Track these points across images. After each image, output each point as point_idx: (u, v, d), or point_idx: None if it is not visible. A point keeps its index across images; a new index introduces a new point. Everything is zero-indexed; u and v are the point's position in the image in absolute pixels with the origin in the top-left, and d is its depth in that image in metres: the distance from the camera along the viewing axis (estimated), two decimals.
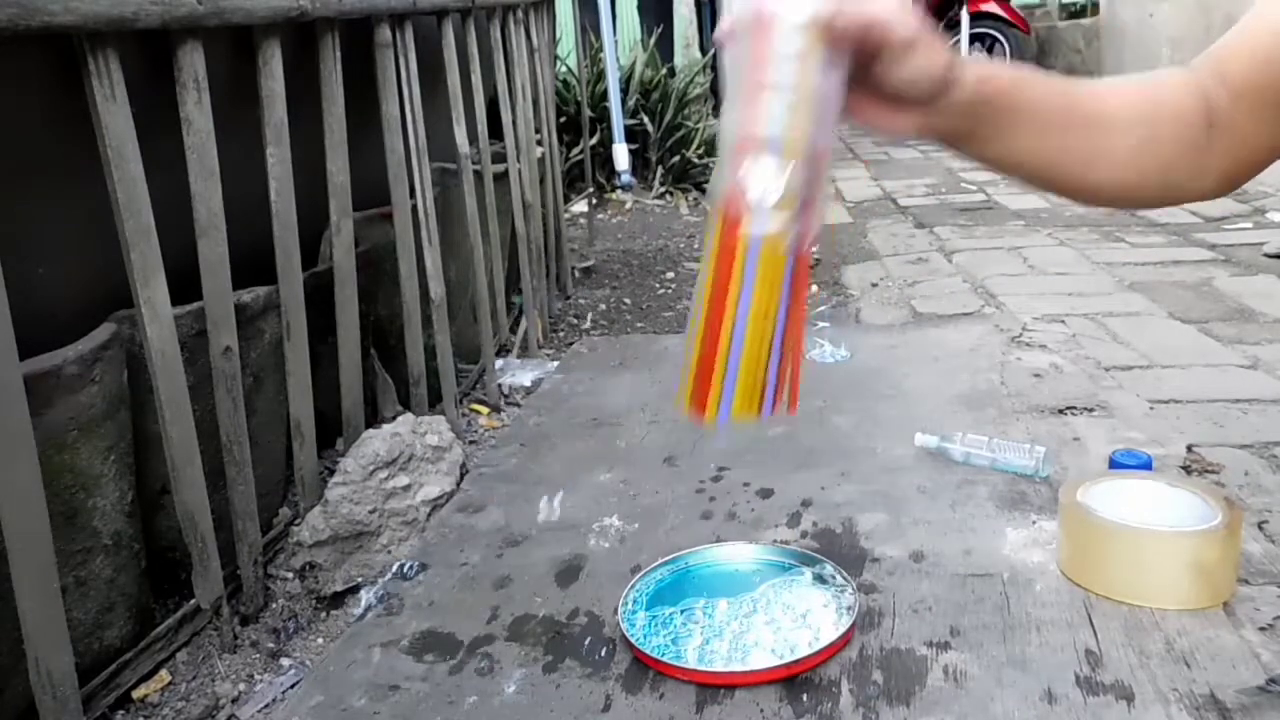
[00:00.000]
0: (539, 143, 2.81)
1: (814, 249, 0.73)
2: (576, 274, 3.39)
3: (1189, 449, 1.93)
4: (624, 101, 4.47)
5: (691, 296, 0.75)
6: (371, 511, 1.48)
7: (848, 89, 0.72)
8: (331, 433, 1.70)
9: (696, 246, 3.99)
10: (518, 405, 2.14)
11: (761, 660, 0.79)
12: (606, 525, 1.06)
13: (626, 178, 4.18)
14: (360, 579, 1.47)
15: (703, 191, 4.85)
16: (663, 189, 4.81)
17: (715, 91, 6.29)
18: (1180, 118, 0.79)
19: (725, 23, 0.70)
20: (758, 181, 0.67)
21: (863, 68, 0.71)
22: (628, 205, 4.64)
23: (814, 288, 3.37)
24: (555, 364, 2.07)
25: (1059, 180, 0.82)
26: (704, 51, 6.10)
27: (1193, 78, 0.81)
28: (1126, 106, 0.79)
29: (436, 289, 1.92)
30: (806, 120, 0.67)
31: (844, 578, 0.89)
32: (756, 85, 0.67)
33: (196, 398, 1.28)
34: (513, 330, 2.54)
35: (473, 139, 2.16)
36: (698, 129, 4.95)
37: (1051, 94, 0.78)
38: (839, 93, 0.69)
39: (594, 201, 4.18)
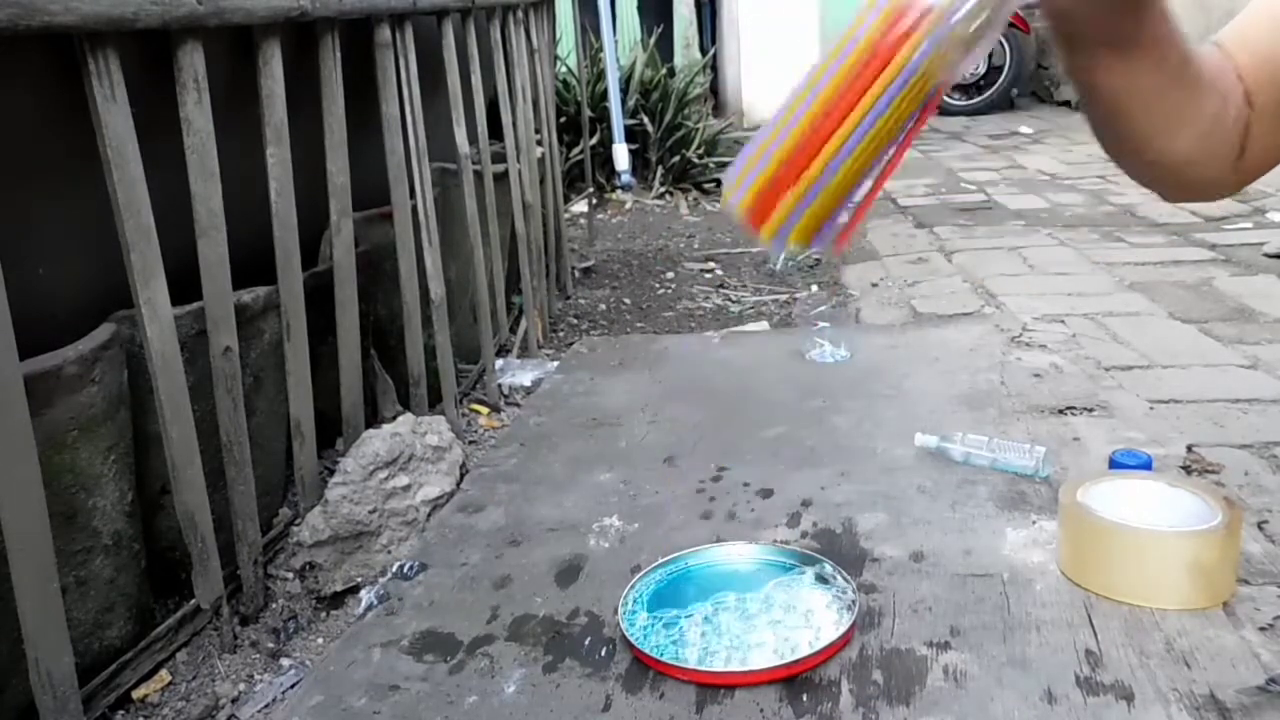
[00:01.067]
0: (539, 143, 2.81)
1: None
2: (576, 274, 3.39)
3: (1189, 449, 1.93)
4: (624, 101, 4.48)
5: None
6: (371, 511, 1.48)
7: None
8: (331, 433, 1.70)
9: (697, 246, 3.99)
10: (518, 405, 2.14)
11: (762, 660, 0.79)
12: (606, 525, 1.06)
13: (626, 178, 4.18)
14: (360, 579, 1.47)
15: (703, 191, 4.86)
16: (663, 189, 4.82)
17: (715, 91, 6.30)
18: (1230, 98, 0.78)
19: None
20: None
21: None
22: (628, 205, 4.64)
23: (814, 287, 3.37)
24: (555, 364, 2.07)
25: (1142, 132, 0.78)
26: (704, 51, 6.10)
27: (1228, 63, 0.79)
28: (1212, 81, 0.78)
29: (436, 289, 1.92)
30: None
31: (844, 578, 0.89)
32: None
33: (196, 398, 1.28)
34: (513, 330, 2.54)
35: (473, 139, 2.16)
36: (698, 129, 4.95)
37: (1178, 44, 0.75)
38: None
39: (594, 201, 4.18)
